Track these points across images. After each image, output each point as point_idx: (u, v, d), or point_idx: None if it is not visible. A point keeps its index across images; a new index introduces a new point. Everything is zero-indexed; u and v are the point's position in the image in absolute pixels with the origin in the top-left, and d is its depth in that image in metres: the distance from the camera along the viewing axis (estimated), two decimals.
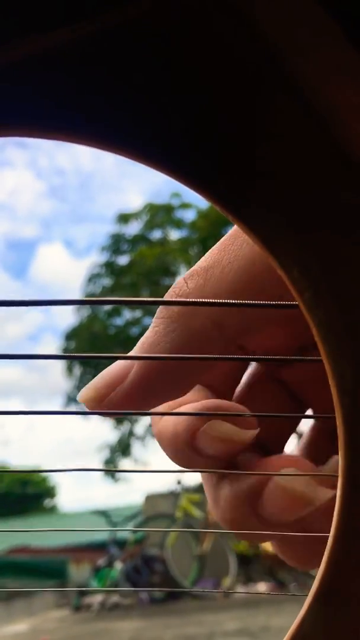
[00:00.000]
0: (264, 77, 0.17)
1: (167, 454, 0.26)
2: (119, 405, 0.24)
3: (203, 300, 0.21)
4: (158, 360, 0.23)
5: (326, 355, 0.18)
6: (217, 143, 0.17)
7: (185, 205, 10.60)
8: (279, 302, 0.20)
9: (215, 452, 0.25)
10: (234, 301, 0.20)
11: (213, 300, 0.21)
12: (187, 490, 6.59)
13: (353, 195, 0.18)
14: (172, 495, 6.65)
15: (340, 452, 0.18)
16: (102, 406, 0.25)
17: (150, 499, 7.23)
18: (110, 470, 0.29)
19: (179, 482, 6.53)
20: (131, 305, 0.21)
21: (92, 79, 0.16)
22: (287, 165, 0.17)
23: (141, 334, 0.25)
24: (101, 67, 0.16)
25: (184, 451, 0.25)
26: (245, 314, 0.23)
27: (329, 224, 0.18)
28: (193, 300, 0.21)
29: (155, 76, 0.16)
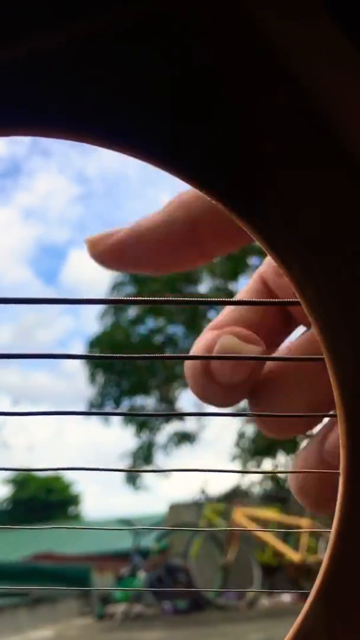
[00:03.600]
0: (266, 76, 0.17)
1: (191, 387, 0.26)
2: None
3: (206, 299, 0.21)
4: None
5: (328, 352, 0.18)
6: (218, 141, 0.17)
7: None
8: (282, 300, 0.20)
9: (229, 377, 0.25)
10: (240, 299, 0.20)
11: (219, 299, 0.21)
12: (211, 500, 6.55)
13: (355, 193, 0.18)
14: (196, 505, 6.61)
15: (342, 449, 0.18)
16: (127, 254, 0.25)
17: (174, 508, 7.20)
18: (135, 470, 0.27)
19: (203, 492, 6.50)
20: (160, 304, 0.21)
21: (91, 79, 0.16)
22: (289, 163, 0.18)
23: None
24: (101, 67, 0.16)
25: (201, 378, 0.25)
26: None
27: (331, 221, 0.18)
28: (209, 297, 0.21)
29: (155, 76, 0.17)
